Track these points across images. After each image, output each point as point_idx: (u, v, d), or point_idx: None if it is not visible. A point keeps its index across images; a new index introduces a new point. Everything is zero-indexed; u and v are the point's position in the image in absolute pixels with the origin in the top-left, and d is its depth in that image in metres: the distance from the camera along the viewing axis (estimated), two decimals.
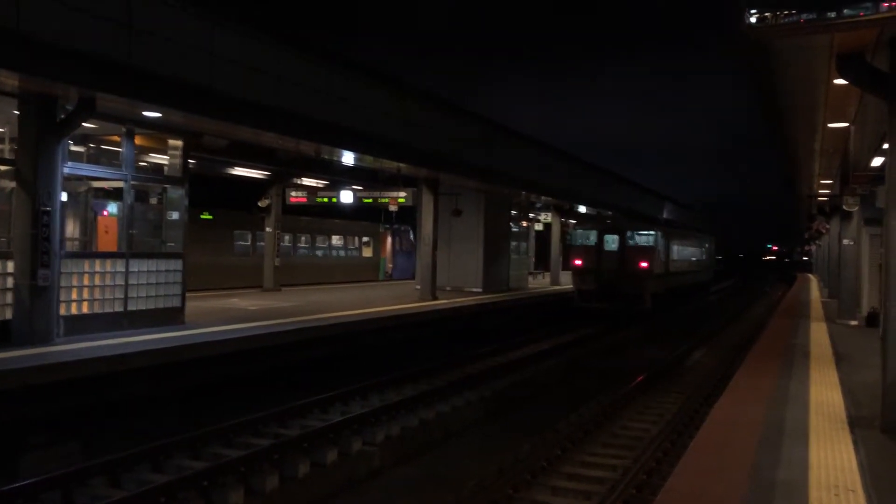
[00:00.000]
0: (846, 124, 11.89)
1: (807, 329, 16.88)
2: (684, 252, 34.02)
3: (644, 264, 26.12)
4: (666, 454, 9.79)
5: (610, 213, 31.86)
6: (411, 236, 33.03)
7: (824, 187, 22.13)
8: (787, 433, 7.21)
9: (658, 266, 27.22)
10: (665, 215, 45.47)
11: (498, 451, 10.07)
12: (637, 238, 26.65)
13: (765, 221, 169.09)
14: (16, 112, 10.56)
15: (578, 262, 26.85)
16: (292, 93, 13.27)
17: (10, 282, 10.43)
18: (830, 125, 12.11)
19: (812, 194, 24.91)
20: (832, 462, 6.29)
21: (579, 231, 27.65)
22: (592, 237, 26.75)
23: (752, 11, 5.43)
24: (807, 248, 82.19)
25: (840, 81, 8.64)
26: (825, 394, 9.23)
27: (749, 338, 20.85)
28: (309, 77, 13.76)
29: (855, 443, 6.94)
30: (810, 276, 60.73)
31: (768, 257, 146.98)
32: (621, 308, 26.00)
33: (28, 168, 10.42)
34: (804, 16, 5.41)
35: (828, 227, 27.47)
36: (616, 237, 26.47)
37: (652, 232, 27.21)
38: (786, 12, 5.37)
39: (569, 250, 29.09)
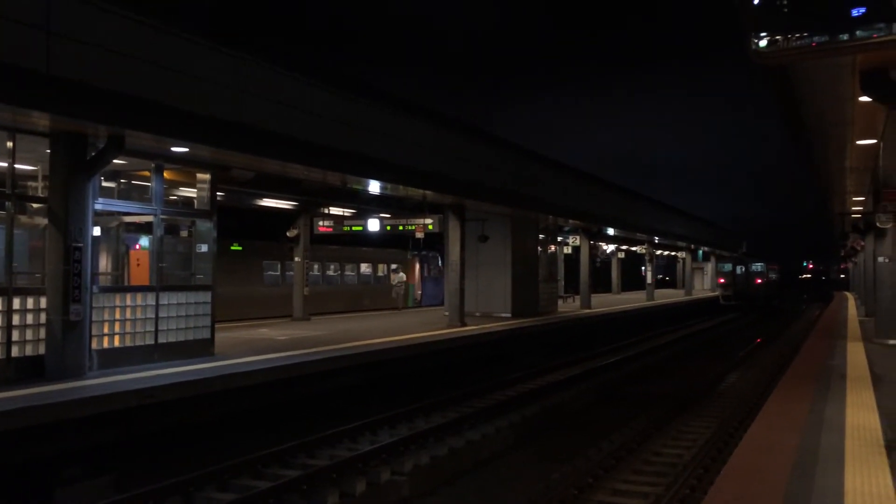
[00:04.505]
0: (875, 141, 11.73)
1: (843, 349, 16.50)
2: (771, 274, 55.33)
3: (759, 281, 51.03)
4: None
5: (736, 254, 59.37)
6: (439, 262, 33.02)
7: (857, 204, 21.81)
8: (821, 458, 7.03)
9: (764, 282, 51.39)
10: (744, 249, 69.41)
11: (528, 480, 9.96)
12: (754, 267, 51.22)
13: (800, 239, 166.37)
14: (47, 151, 10.74)
15: (721, 280, 50.78)
16: (317, 124, 13.42)
17: (42, 317, 10.62)
18: (859, 142, 11.98)
19: (845, 211, 24.59)
20: (868, 488, 6.12)
21: (720, 264, 53.29)
22: (728, 267, 51.04)
23: (762, 35, 5.34)
24: (843, 265, 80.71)
25: (865, 98, 8.56)
26: (861, 417, 9.00)
27: (785, 357, 20.45)
28: (334, 108, 13.92)
29: (892, 468, 6.74)
30: (847, 293, 59.57)
31: (804, 276, 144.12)
32: (746, 305, 48.92)
33: (59, 205, 10.62)
34: (816, 39, 5.30)
35: (863, 244, 26.99)
36: (742, 267, 50.77)
37: (762, 264, 51.93)
38: (797, 35, 5.27)
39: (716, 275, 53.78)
